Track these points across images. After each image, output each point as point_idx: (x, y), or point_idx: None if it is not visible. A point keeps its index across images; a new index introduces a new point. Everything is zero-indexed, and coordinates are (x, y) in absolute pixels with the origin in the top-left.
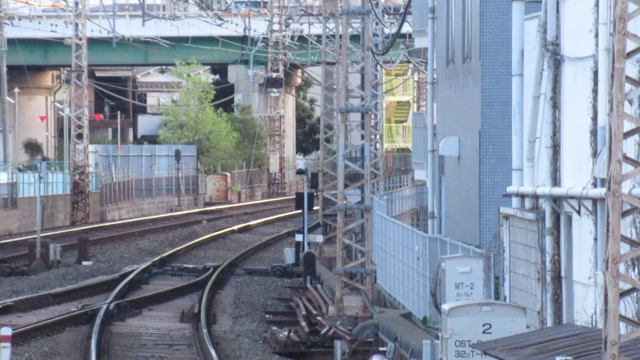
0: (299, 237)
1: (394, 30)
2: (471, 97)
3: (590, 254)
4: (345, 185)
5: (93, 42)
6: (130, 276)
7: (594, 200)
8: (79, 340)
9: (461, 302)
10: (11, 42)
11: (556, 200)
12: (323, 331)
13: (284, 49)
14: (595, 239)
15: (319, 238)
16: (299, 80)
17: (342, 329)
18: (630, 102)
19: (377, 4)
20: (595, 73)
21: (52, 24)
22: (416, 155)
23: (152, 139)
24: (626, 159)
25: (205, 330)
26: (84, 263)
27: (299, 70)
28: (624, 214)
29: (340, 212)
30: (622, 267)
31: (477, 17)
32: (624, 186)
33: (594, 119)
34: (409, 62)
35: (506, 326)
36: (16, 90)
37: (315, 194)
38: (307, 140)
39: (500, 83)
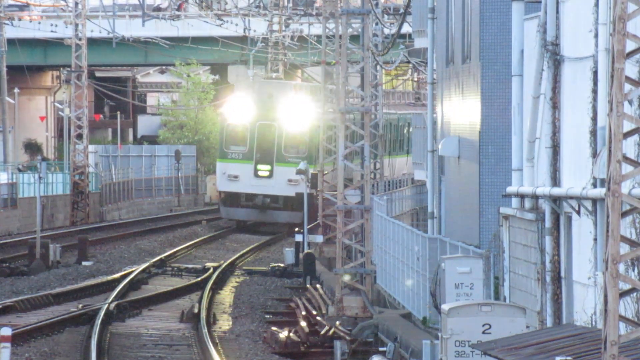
0: (298, 238)
1: (393, 30)
2: (471, 97)
3: (590, 254)
4: (345, 186)
5: (93, 42)
6: (130, 276)
7: (594, 201)
8: (79, 340)
9: (461, 303)
10: (11, 42)
11: (556, 200)
12: (323, 331)
13: (284, 49)
14: (595, 239)
15: (319, 238)
16: (298, 80)
17: (342, 329)
18: (630, 102)
19: (377, 4)
20: (595, 73)
21: (52, 24)
22: (416, 155)
23: (152, 139)
24: (626, 159)
25: (205, 331)
26: (84, 263)
27: (299, 71)
28: (624, 214)
29: (340, 212)
30: (621, 268)
31: (477, 17)
32: (623, 186)
33: (594, 119)
34: (408, 62)
35: (506, 326)
36: (16, 90)
37: (314, 193)
38: None
39: (500, 83)
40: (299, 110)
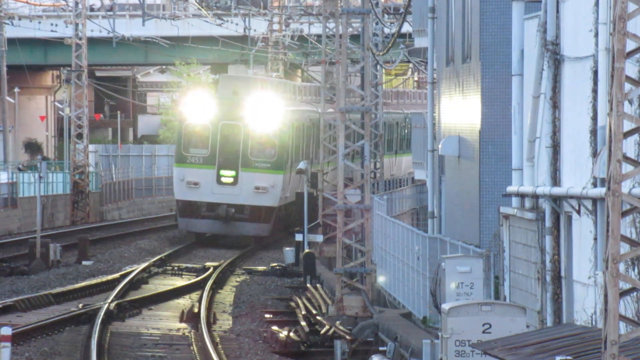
0: (299, 237)
1: (394, 30)
2: (471, 97)
3: (590, 253)
4: (345, 185)
5: (93, 42)
6: (130, 276)
7: (594, 200)
8: (79, 340)
9: (461, 302)
10: (11, 42)
11: (556, 200)
12: (323, 331)
13: (284, 49)
14: (595, 239)
15: (319, 238)
16: (298, 80)
17: (342, 328)
18: (630, 102)
19: (377, 4)
20: (595, 73)
21: (52, 24)
22: (416, 155)
23: (152, 139)
24: (626, 158)
25: (205, 330)
26: (84, 263)
27: (299, 70)
28: (624, 214)
29: (340, 212)
30: (622, 267)
31: (477, 17)
32: (623, 186)
33: (594, 118)
34: (409, 62)
35: (506, 326)
36: (16, 90)
37: (315, 193)
38: None
39: (500, 83)
40: (268, 109)
